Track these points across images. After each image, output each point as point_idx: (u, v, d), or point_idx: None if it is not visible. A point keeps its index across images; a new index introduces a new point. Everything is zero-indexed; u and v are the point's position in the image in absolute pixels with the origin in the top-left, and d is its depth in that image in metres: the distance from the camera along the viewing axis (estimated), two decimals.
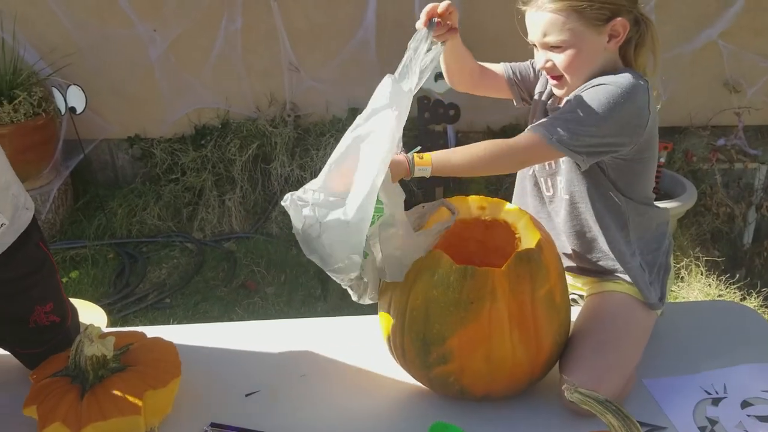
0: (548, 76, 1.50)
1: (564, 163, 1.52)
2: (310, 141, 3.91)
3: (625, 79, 1.39)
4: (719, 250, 3.80)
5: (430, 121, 3.70)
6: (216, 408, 1.45)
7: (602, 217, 1.52)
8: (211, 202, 3.90)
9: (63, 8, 3.77)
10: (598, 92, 1.38)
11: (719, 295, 3.24)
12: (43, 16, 3.75)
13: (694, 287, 3.30)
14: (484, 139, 1.46)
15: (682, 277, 3.38)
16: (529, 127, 1.45)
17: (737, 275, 3.47)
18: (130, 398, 1.27)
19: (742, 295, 3.27)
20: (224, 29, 3.83)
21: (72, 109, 3.56)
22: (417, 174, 1.41)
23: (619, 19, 1.39)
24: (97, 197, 3.98)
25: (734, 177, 4.10)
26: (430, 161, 1.42)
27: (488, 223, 1.54)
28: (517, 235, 1.49)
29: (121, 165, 4.17)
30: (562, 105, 1.53)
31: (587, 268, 1.61)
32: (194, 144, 3.98)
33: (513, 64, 1.71)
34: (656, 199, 3.53)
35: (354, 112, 3.92)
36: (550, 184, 1.59)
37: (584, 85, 1.43)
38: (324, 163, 1.39)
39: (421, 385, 1.48)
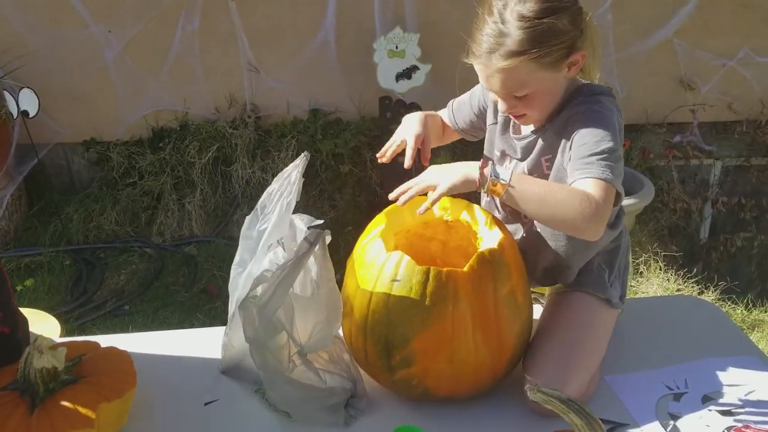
0: (512, 116, 1.47)
1: (526, 165, 1.51)
2: (271, 142, 3.87)
3: (602, 102, 1.38)
4: (677, 245, 3.87)
5: (392, 121, 3.69)
6: (173, 418, 1.41)
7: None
8: (171, 205, 3.84)
9: (14, 9, 3.66)
10: (592, 121, 1.35)
11: (678, 290, 3.30)
12: None
13: (653, 282, 3.35)
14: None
15: (641, 272, 3.43)
16: (579, 178, 1.30)
17: (695, 269, 3.54)
18: (83, 411, 1.22)
19: (699, 289, 3.33)
20: (181, 29, 3.76)
21: (24, 113, 3.45)
22: (495, 178, 1.31)
23: (578, 53, 1.35)
24: (52, 203, 3.87)
25: (690, 173, 4.18)
26: (503, 188, 1.31)
27: (450, 224, 1.54)
28: (478, 235, 1.49)
29: (77, 169, 4.07)
30: (524, 131, 1.52)
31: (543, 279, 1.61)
32: (152, 147, 3.91)
33: (455, 108, 1.69)
34: None
35: (315, 112, 3.89)
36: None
37: (565, 119, 1.41)
38: (285, 164, 1.39)
39: (384, 388, 1.46)
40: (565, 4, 1.32)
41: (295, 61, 3.86)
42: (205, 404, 1.46)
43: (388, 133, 3.99)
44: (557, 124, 1.43)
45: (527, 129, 1.51)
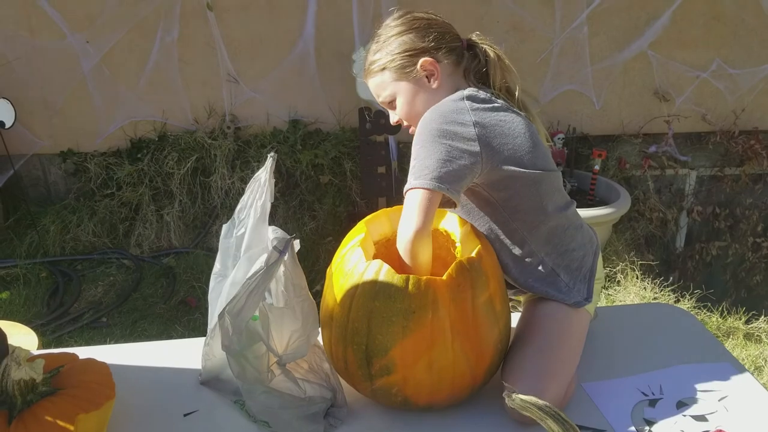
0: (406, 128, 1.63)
1: None
2: (250, 153, 3.87)
3: (449, 103, 1.47)
4: (653, 254, 3.92)
5: (372, 131, 3.71)
6: (153, 429, 1.40)
7: (493, 235, 1.54)
8: (149, 216, 3.81)
9: None
10: (420, 128, 1.45)
11: (654, 298, 3.34)
12: None
13: (630, 291, 3.39)
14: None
15: (618, 281, 3.47)
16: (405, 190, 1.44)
17: (671, 278, 3.59)
18: (61, 423, 1.21)
19: (676, 297, 3.38)
20: (160, 40, 3.76)
21: (0, 124, 3.43)
22: None
23: (421, 60, 1.52)
24: (29, 214, 3.83)
25: (666, 183, 4.25)
26: None
27: None
28: (457, 244, 1.50)
29: (54, 181, 4.04)
30: None
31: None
32: (130, 158, 3.89)
33: None
34: (592, 206, 3.63)
35: (295, 123, 3.90)
36: None
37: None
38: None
39: (364, 397, 1.47)
40: (415, 26, 1.56)
41: (275, 71, 3.87)
42: (185, 415, 1.45)
43: (368, 144, 4.01)
44: None
45: None
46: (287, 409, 1.36)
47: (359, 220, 1.56)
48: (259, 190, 1.40)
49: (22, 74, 3.72)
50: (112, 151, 3.93)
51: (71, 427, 1.22)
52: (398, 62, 1.54)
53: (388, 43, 1.55)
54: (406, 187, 1.41)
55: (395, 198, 3.80)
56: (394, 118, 1.64)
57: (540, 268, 1.55)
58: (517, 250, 1.54)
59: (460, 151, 1.39)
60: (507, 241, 1.54)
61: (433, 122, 1.42)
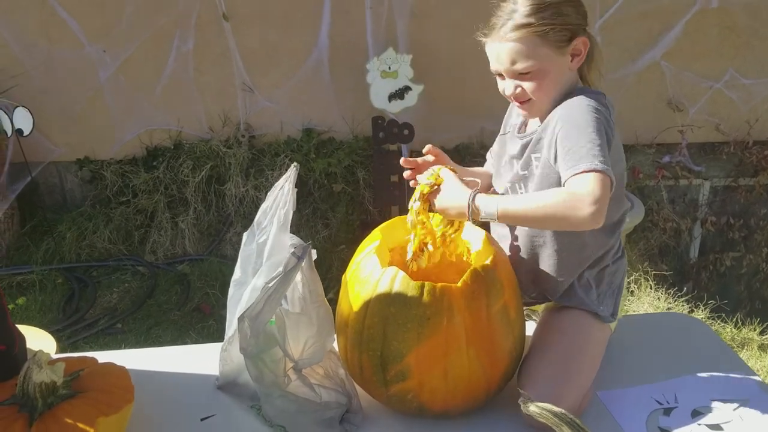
0: (516, 103, 1.51)
1: (537, 169, 1.50)
2: (264, 161, 3.89)
3: (584, 98, 1.43)
4: (667, 264, 3.90)
5: (384, 140, 3.73)
6: None
7: (557, 240, 1.51)
8: (164, 224, 3.84)
9: (10, 29, 3.69)
10: (576, 111, 1.40)
11: (668, 308, 3.33)
12: None
13: (644, 301, 3.38)
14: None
15: (632, 291, 3.46)
16: (569, 174, 1.33)
17: (684, 288, 3.57)
18: (81, 426, 1.23)
19: (689, 307, 3.36)
20: (176, 50, 3.80)
21: (19, 131, 3.46)
22: (484, 216, 1.37)
23: (579, 38, 1.44)
24: (45, 221, 3.87)
25: (679, 193, 4.23)
26: (495, 200, 1.37)
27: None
28: (472, 252, 1.51)
29: (70, 188, 4.08)
30: (528, 130, 1.56)
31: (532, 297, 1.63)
32: (146, 166, 3.92)
33: (493, 152, 1.73)
34: None
35: (309, 132, 3.93)
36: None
37: (552, 116, 1.45)
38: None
39: (379, 403, 1.48)
40: None
41: (289, 81, 3.89)
42: (202, 419, 1.47)
43: (381, 153, 4.03)
44: (545, 123, 1.47)
45: (531, 127, 1.55)
46: (303, 414, 1.37)
47: (372, 229, 1.57)
48: (283, 198, 1.42)
49: (41, 83, 3.77)
50: (128, 159, 3.97)
51: (91, 431, 1.23)
52: (557, 34, 1.41)
53: (548, 10, 1.40)
54: (585, 167, 1.30)
55: (408, 207, 3.81)
56: (509, 89, 1.48)
57: (585, 274, 1.55)
58: (574, 254, 1.53)
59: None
60: (573, 243, 1.51)
61: (599, 113, 1.39)
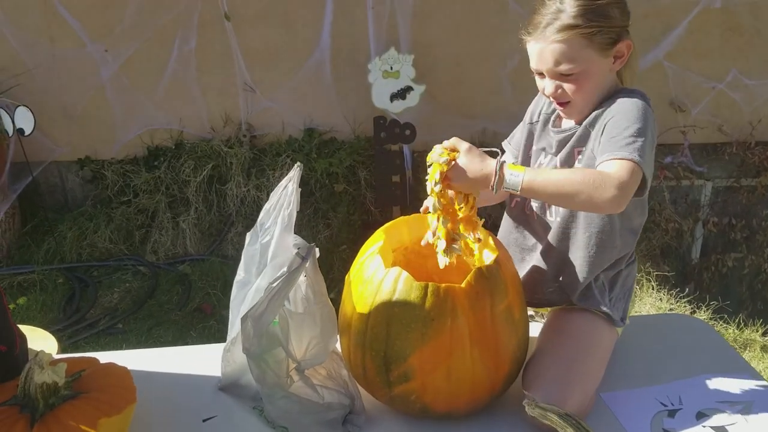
0: (555, 103, 1.49)
1: (560, 159, 1.50)
2: (266, 161, 3.89)
3: (635, 98, 1.42)
4: (669, 265, 3.89)
5: (386, 140, 3.72)
6: None
7: (593, 237, 1.50)
8: (165, 224, 3.84)
9: (11, 28, 3.69)
10: (624, 111, 1.39)
11: (670, 309, 3.32)
12: None
13: (646, 302, 3.37)
14: None
15: (634, 292, 3.45)
16: (604, 158, 1.33)
17: (687, 289, 3.56)
18: (83, 427, 1.22)
19: (692, 308, 3.35)
20: (178, 49, 3.79)
21: (20, 131, 3.46)
22: (508, 184, 1.32)
23: (624, 41, 1.43)
24: (46, 221, 3.87)
25: (681, 193, 4.22)
26: (523, 170, 1.33)
27: None
28: (475, 252, 1.50)
29: (71, 187, 4.07)
30: (566, 125, 1.54)
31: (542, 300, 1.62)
32: (147, 165, 3.92)
33: (511, 138, 1.70)
34: None
35: (310, 132, 3.92)
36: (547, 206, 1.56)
37: (600, 110, 1.44)
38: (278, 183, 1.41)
39: (382, 404, 1.47)
40: None
41: (291, 81, 3.89)
42: (204, 420, 1.46)
43: (382, 153, 4.02)
44: (592, 118, 1.46)
45: (567, 124, 1.53)
46: (306, 415, 1.36)
47: (374, 229, 1.56)
48: (287, 199, 1.41)
49: (42, 82, 3.77)
50: (129, 159, 3.96)
51: (93, 431, 1.23)
52: (603, 36, 1.39)
53: (596, 11, 1.38)
54: (623, 155, 1.30)
55: (409, 207, 3.81)
56: (549, 89, 1.46)
57: (601, 276, 1.55)
58: (606, 251, 1.51)
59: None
60: (605, 242, 1.50)
61: (650, 116, 1.39)
